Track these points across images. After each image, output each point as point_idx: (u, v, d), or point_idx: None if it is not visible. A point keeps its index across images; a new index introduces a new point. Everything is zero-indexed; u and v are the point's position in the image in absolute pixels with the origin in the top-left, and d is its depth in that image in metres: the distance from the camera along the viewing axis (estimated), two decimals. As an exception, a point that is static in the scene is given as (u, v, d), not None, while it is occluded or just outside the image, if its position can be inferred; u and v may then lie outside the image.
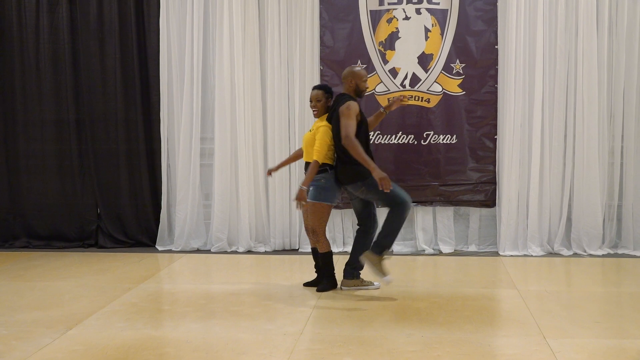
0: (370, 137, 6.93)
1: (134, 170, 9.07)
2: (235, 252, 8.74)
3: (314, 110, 6.63)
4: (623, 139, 8.44)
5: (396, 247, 8.65)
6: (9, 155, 9.21)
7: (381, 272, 6.29)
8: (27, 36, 9.05)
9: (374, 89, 8.53)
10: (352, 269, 6.70)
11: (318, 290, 6.66)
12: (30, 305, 6.27)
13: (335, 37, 8.63)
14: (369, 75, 8.49)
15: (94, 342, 5.19)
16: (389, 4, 8.52)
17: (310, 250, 7.18)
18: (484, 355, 4.86)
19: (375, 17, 8.56)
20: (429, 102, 8.54)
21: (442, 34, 8.50)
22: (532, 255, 8.35)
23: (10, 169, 9.23)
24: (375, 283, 6.71)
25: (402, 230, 8.59)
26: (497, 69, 8.49)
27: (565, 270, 7.81)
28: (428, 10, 8.47)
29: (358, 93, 6.51)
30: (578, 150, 8.37)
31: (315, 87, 6.74)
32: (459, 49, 8.51)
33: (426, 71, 8.52)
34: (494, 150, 8.55)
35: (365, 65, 8.52)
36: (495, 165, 8.57)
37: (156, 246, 8.98)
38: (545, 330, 5.37)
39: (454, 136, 8.56)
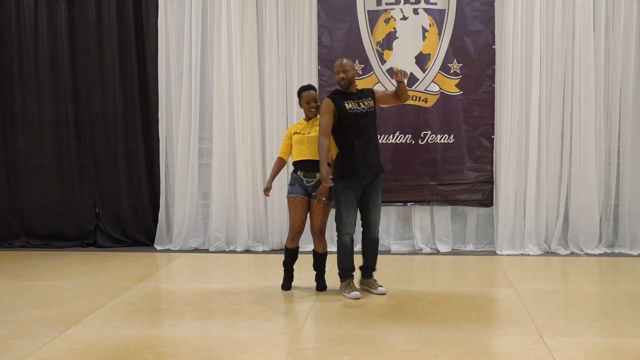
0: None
1: (132, 169, 9.09)
2: (234, 252, 8.76)
3: (313, 110, 6.61)
4: (620, 139, 8.46)
5: (394, 246, 8.68)
6: (7, 155, 9.22)
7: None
8: (25, 36, 9.06)
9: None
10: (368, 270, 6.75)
11: (321, 290, 6.71)
12: (30, 305, 6.29)
13: (333, 37, 8.65)
14: (366, 76, 8.56)
15: (93, 341, 5.21)
16: (386, 4, 8.54)
17: (306, 249, 7.17)
18: (482, 354, 4.89)
19: (373, 17, 8.58)
20: (426, 102, 8.56)
21: (439, 34, 8.52)
22: (529, 255, 8.37)
23: (9, 169, 9.24)
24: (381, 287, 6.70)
25: (399, 230, 8.70)
26: (494, 69, 8.51)
27: (563, 269, 7.83)
28: (425, 10, 8.49)
29: (339, 85, 6.48)
30: (575, 149, 8.40)
31: (307, 88, 6.69)
32: (456, 49, 8.53)
33: (424, 71, 8.54)
34: (491, 149, 8.58)
35: (363, 65, 8.56)
36: (492, 165, 8.59)
37: (155, 245, 9.00)
38: (543, 329, 5.40)
39: (452, 136, 8.58)
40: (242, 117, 8.70)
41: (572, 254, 8.40)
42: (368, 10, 8.57)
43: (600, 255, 8.34)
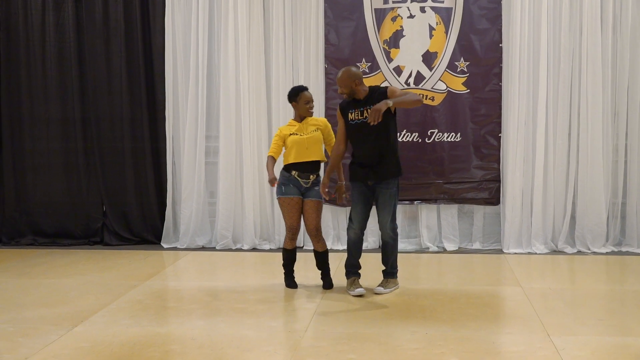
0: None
1: (139, 168, 9.10)
2: (240, 250, 8.77)
3: (311, 111, 6.68)
4: (627, 137, 8.45)
5: (401, 244, 8.62)
6: (15, 154, 9.25)
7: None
8: (33, 35, 9.08)
9: (379, 85, 8.52)
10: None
11: (328, 287, 6.72)
12: (37, 303, 6.30)
13: (340, 35, 8.64)
14: (373, 74, 8.57)
15: (99, 339, 5.22)
16: (393, 2, 8.53)
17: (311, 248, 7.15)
18: (488, 352, 4.88)
19: (380, 15, 8.57)
20: (433, 100, 8.55)
21: (446, 32, 8.51)
22: (536, 253, 8.36)
23: (16, 168, 9.27)
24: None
25: (406, 228, 8.70)
26: (501, 67, 8.50)
27: (569, 267, 7.81)
28: (432, 8, 8.48)
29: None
30: (582, 148, 8.38)
31: (304, 88, 6.70)
32: (463, 47, 8.52)
33: (430, 69, 8.53)
34: (498, 148, 8.56)
35: (370, 64, 8.57)
36: (499, 163, 8.58)
37: (161, 244, 9.01)
38: (549, 327, 5.38)
39: (458, 134, 8.57)
40: (248, 116, 8.71)
41: (579, 252, 8.39)
42: (375, 9, 8.57)
43: (607, 253, 8.32)
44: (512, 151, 8.43)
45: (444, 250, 8.61)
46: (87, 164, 9.21)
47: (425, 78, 8.54)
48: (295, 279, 6.84)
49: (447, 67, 8.53)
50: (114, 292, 6.61)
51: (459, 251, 8.59)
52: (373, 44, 8.60)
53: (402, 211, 8.78)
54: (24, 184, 9.27)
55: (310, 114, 6.66)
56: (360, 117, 6.34)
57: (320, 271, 6.80)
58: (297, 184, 6.53)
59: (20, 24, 9.09)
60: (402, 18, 8.53)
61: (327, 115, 8.58)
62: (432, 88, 8.54)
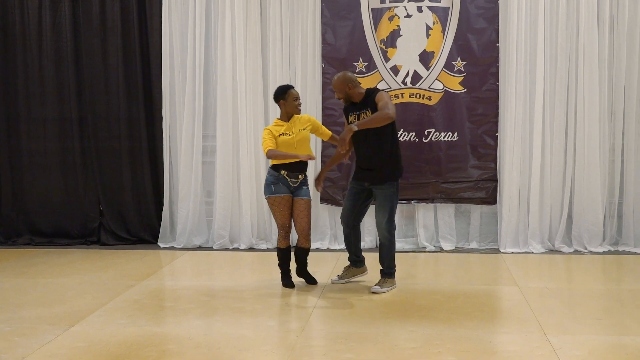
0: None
1: (136, 167, 9.10)
2: (237, 249, 8.76)
3: (300, 108, 6.70)
4: (624, 136, 8.45)
5: (397, 244, 8.59)
6: (11, 153, 9.24)
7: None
8: (29, 34, 9.07)
9: (376, 87, 8.53)
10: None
11: (313, 283, 6.86)
12: (34, 302, 6.30)
13: (337, 34, 8.64)
14: (369, 73, 8.58)
15: (96, 339, 5.21)
16: (390, 1, 8.53)
17: (312, 247, 7.16)
18: (485, 351, 4.89)
19: (377, 14, 8.57)
20: (430, 99, 8.55)
21: (443, 32, 8.51)
22: (532, 252, 8.36)
23: (13, 167, 9.26)
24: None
25: (403, 227, 8.73)
26: (498, 67, 8.51)
27: (566, 267, 7.82)
28: (429, 8, 8.48)
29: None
30: (579, 147, 8.39)
31: (291, 87, 6.73)
32: (460, 47, 8.52)
33: (427, 69, 8.53)
34: (495, 147, 8.57)
35: (367, 63, 8.57)
36: (496, 163, 8.59)
37: (158, 243, 9.00)
38: (546, 327, 5.39)
39: (455, 134, 8.57)
40: (245, 115, 8.71)
41: (576, 252, 8.40)
42: (372, 8, 8.57)
43: (604, 253, 8.33)
44: (509, 151, 8.44)
45: (441, 250, 8.62)
46: (84, 164, 9.20)
47: (422, 77, 8.54)
48: (292, 279, 6.86)
49: (444, 67, 8.53)
50: (111, 292, 6.61)
51: (456, 251, 8.60)
52: (370, 43, 8.60)
53: (399, 211, 8.73)
54: (21, 184, 9.26)
55: (299, 112, 6.70)
56: (356, 120, 6.46)
57: (297, 268, 6.89)
58: (286, 183, 6.57)
59: (17, 23, 9.07)
60: (399, 17, 8.53)
61: (325, 115, 8.61)
62: (429, 87, 8.54)
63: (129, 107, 9.02)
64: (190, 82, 8.79)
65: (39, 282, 7.14)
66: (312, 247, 8.32)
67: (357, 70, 8.53)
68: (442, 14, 8.49)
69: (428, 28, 8.51)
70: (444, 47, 8.52)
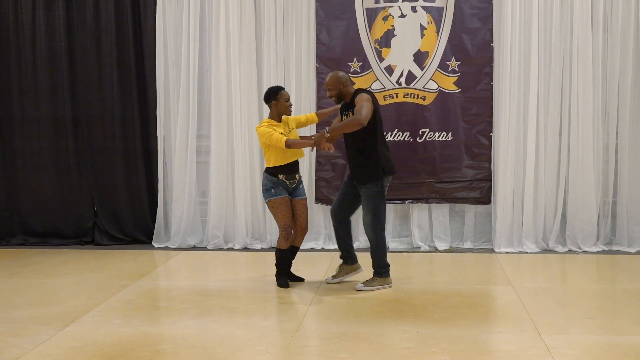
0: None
1: (130, 167, 9.08)
2: (232, 249, 8.75)
3: (291, 109, 6.78)
4: (617, 136, 8.47)
5: (392, 244, 8.68)
6: (5, 153, 9.21)
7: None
8: (23, 34, 9.04)
9: (370, 87, 8.54)
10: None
11: (301, 280, 6.97)
12: (27, 303, 6.29)
13: (331, 34, 8.64)
14: (364, 73, 8.58)
15: (90, 339, 5.21)
16: (384, 1, 8.53)
17: (305, 248, 7.21)
18: (479, 351, 4.89)
19: (371, 14, 8.57)
20: (424, 99, 8.56)
21: (437, 32, 8.51)
22: (527, 252, 8.37)
23: (6, 167, 9.23)
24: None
25: (397, 227, 8.73)
26: (492, 67, 8.51)
27: (560, 267, 7.84)
28: (424, 8, 8.49)
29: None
30: (573, 147, 8.40)
31: (282, 87, 6.78)
32: (454, 47, 8.52)
33: (422, 69, 8.54)
34: (489, 147, 8.57)
35: (361, 63, 8.57)
36: (490, 163, 8.59)
37: (152, 243, 8.99)
38: (540, 326, 5.40)
39: (450, 133, 8.58)
40: (240, 115, 8.70)
41: (570, 251, 8.41)
42: (366, 8, 8.57)
43: (598, 252, 8.34)
44: (503, 150, 8.45)
45: (436, 250, 8.62)
46: (78, 164, 9.17)
47: (416, 77, 8.54)
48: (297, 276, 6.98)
49: (438, 67, 8.53)
50: (105, 292, 6.60)
51: (450, 250, 8.60)
52: (364, 43, 8.60)
53: (393, 210, 8.78)
54: (15, 184, 9.23)
55: (290, 112, 6.79)
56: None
57: (285, 267, 6.93)
58: (285, 186, 6.64)
59: (11, 23, 9.04)
60: (393, 17, 8.53)
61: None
62: (423, 87, 8.55)
63: (123, 107, 9.00)
64: (185, 82, 8.78)
65: (32, 282, 7.13)
66: (306, 247, 8.42)
67: (351, 70, 8.53)
68: (436, 14, 8.50)
69: (422, 28, 8.52)
70: (438, 47, 8.52)
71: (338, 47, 8.64)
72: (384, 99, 8.55)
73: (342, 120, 6.69)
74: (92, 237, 9.19)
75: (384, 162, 6.53)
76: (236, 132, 8.69)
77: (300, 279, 6.97)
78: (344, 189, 6.84)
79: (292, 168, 6.66)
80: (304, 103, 8.57)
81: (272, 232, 8.76)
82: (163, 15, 8.79)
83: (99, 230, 9.17)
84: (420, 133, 8.58)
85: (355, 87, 8.21)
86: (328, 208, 8.57)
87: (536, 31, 8.33)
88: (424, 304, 6.13)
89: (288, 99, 6.70)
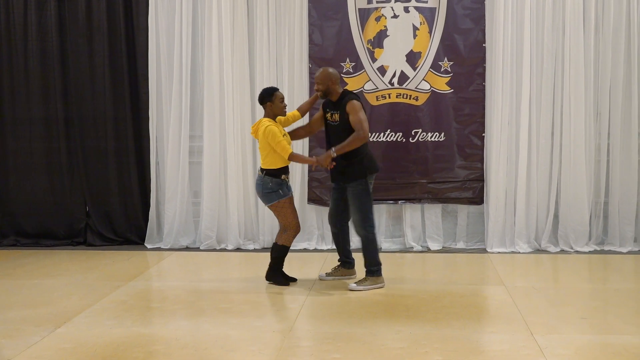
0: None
1: (122, 168, 9.05)
2: (224, 250, 8.74)
3: (285, 109, 6.82)
4: (609, 137, 8.49)
5: (384, 244, 8.68)
6: (-4, 154, 9.19)
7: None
8: (15, 34, 9.00)
9: (363, 87, 8.55)
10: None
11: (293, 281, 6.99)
12: (19, 304, 6.27)
13: (324, 35, 8.64)
14: (356, 74, 8.59)
15: (83, 340, 5.20)
16: (377, 2, 8.54)
17: (298, 248, 7.20)
18: (472, 351, 4.90)
19: (364, 15, 8.58)
20: (417, 100, 8.56)
21: (430, 32, 8.52)
22: (519, 252, 8.39)
23: (-2, 167, 9.21)
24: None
25: (390, 228, 8.75)
26: (484, 67, 8.52)
27: (553, 266, 7.85)
28: (416, 8, 8.49)
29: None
30: (565, 147, 8.42)
31: (276, 88, 6.84)
32: (447, 47, 8.53)
33: (414, 69, 8.54)
34: (481, 147, 8.58)
35: (354, 63, 8.57)
36: (483, 163, 8.60)
37: (145, 244, 8.96)
38: (533, 326, 5.41)
39: (442, 134, 8.59)
40: (232, 116, 8.69)
41: (562, 251, 8.43)
42: (359, 9, 8.57)
43: (590, 252, 8.36)
44: (495, 151, 8.46)
45: (428, 250, 8.63)
46: (70, 164, 9.15)
47: (409, 78, 8.55)
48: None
49: (430, 67, 8.54)
50: (97, 293, 6.59)
51: (443, 250, 8.61)
52: (357, 43, 8.60)
53: (386, 211, 8.79)
54: (6, 184, 9.20)
55: (285, 113, 6.82)
56: (330, 119, 6.70)
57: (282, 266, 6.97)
58: (287, 185, 6.72)
59: (2, 23, 9.00)
60: (386, 18, 8.53)
61: (311, 115, 8.54)
62: (415, 88, 8.55)
63: (116, 107, 8.97)
64: (177, 82, 8.77)
65: (24, 283, 7.10)
66: (299, 248, 8.42)
67: (344, 70, 8.53)
68: (428, 15, 8.51)
69: (415, 28, 8.52)
70: (430, 48, 8.53)
71: (331, 48, 8.64)
72: (377, 100, 8.56)
73: (325, 116, 6.73)
74: (84, 238, 9.16)
75: (367, 161, 6.60)
76: (229, 133, 8.68)
77: (293, 279, 6.97)
78: (334, 194, 6.90)
79: (288, 168, 6.75)
80: (296, 103, 8.53)
81: (264, 233, 8.76)
82: (155, 15, 8.77)
83: (91, 231, 9.14)
84: (412, 133, 8.59)
85: (348, 87, 8.28)
86: (321, 208, 8.62)
87: (528, 32, 8.35)
88: (416, 304, 6.14)
89: (283, 100, 6.73)
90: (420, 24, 8.51)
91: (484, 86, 8.53)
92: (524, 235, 8.49)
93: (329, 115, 6.69)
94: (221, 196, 8.80)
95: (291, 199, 6.72)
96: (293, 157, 6.58)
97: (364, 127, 6.40)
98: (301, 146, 8.46)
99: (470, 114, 8.56)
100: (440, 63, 8.53)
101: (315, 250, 8.61)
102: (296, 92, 8.62)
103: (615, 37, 8.35)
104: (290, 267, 6.99)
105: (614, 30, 8.34)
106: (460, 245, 8.71)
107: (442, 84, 8.55)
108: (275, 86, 7.15)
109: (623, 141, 8.42)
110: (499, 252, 8.40)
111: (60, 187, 9.16)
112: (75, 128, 9.03)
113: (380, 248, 8.66)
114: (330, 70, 6.70)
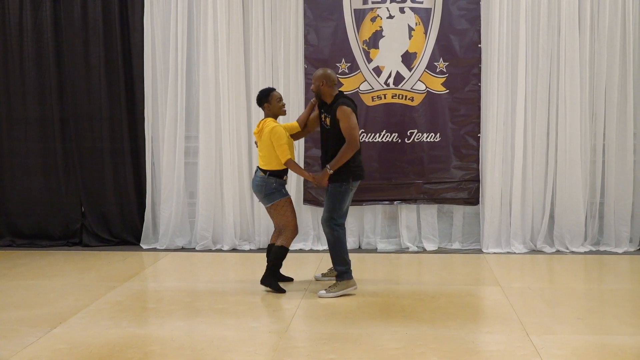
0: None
1: (118, 168, 9.05)
2: (220, 250, 8.74)
3: (284, 109, 6.79)
4: (605, 137, 8.51)
5: (380, 244, 8.69)
6: (-8, 154, 9.17)
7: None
8: (10, 34, 8.99)
9: (358, 88, 8.56)
10: None
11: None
12: (15, 304, 6.26)
13: (320, 35, 8.64)
14: (352, 74, 8.59)
15: (78, 341, 5.19)
16: (372, 2, 8.54)
17: (294, 248, 7.19)
18: (468, 351, 4.91)
19: (359, 15, 8.58)
20: (412, 100, 8.57)
21: (425, 33, 8.53)
22: (515, 253, 8.40)
23: (-6, 168, 9.19)
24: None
25: (386, 228, 8.75)
26: (480, 68, 8.54)
27: (548, 267, 7.86)
28: (412, 9, 8.50)
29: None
30: (560, 148, 8.44)
31: (272, 89, 6.79)
32: (442, 48, 8.54)
33: (410, 70, 8.55)
34: (477, 148, 8.60)
35: (349, 64, 8.58)
36: (478, 163, 8.61)
37: (141, 244, 8.96)
38: (528, 326, 5.42)
39: (438, 134, 8.59)
40: (228, 116, 8.68)
41: (558, 252, 8.44)
42: (354, 9, 8.57)
43: (585, 253, 8.38)
44: (491, 151, 8.47)
45: (424, 250, 8.63)
46: (65, 165, 9.14)
47: (404, 78, 8.55)
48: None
49: (426, 68, 8.55)
50: (93, 294, 6.58)
51: (439, 251, 8.61)
52: (352, 44, 8.61)
53: (381, 211, 8.79)
54: (2, 185, 9.18)
55: (284, 112, 6.79)
56: (324, 122, 6.63)
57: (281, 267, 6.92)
58: (285, 186, 6.71)
59: (-2, 23, 9.02)
60: (381, 18, 8.54)
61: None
62: (411, 88, 8.56)
63: (111, 107, 8.97)
64: (173, 82, 8.76)
65: (20, 284, 7.09)
66: (295, 248, 8.41)
67: (339, 71, 8.53)
68: (424, 15, 8.52)
69: (410, 29, 8.53)
70: (426, 48, 8.54)
71: (326, 48, 8.64)
72: (372, 100, 8.56)
73: (320, 117, 6.66)
74: (80, 239, 9.15)
75: (354, 167, 6.49)
76: (224, 133, 8.68)
77: (290, 279, 6.97)
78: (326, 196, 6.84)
79: (287, 170, 6.73)
80: (292, 104, 8.56)
81: (260, 234, 8.76)
82: (151, 16, 8.77)
83: (86, 231, 9.13)
84: (408, 134, 8.59)
85: (344, 88, 8.29)
86: (316, 209, 8.62)
87: (524, 32, 8.37)
88: (412, 304, 6.14)
89: (280, 99, 6.70)
90: (416, 24, 8.52)
91: (480, 87, 8.54)
92: (519, 235, 8.50)
93: (322, 117, 6.64)
94: (217, 197, 8.80)
95: (290, 199, 6.71)
96: (289, 163, 6.53)
97: (354, 136, 6.31)
98: (297, 146, 8.43)
99: (465, 115, 8.57)
100: (435, 64, 8.54)
101: (311, 250, 8.61)
102: (292, 93, 8.62)
103: (610, 38, 8.36)
104: (286, 267, 6.97)
105: (609, 30, 8.35)
106: (456, 245, 8.72)
107: (437, 85, 8.56)
108: (271, 86, 7.12)
109: (618, 142, 8.43)
110: (494, 253, 8.41)
111: (56, 187, 9.15)
112: (71, 128, 9.01)
113: (376, 248, 8.67)
114: (328, 71, 6.60)
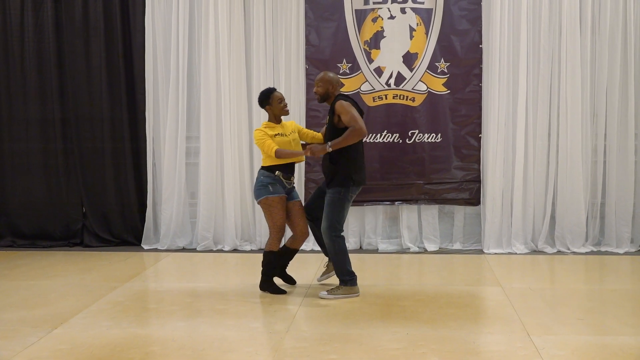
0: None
1: (119, 169, 9.05)
2: (221, 251, 8.74)
3: (287, 109, 6.66)
4: (606, 137, 8.51)
5: (381, 245, 8.69)
6: (-7, 155, 9.18)
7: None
8: (11, 35, 9.00)
9: (359, 88, 8.56)
10: None
11: (293, 283, 6.92)
12: (16, 305, 6.26)
13: (321, 36, 8.64)
14: (353, 75, 8.59)
15: (79, 341, 5.19)
16: (374, 3, 8.54)
17: (304, 249, 7.14)
18: (469, 352, 4.90)
19: (361, 16, 8.58)
20: (413, 100, 8.57)
21: (426, 33, 8.53)
22: (516, 253, 8.39)
23: (-6, 168, 9.20)
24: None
25: (387, 229, 8.75)
26: (481, 68, 8.54)
27: (549, 267, 7.86)
28: (413, 9, 8.50)
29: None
30: (562, 148, 8.43)
31: (274, 89, 6.69)
32: (443, 48, 8.54)
33: (411, 70, 8.55)
34: (478, 148, 8.59)
35: (350, 64, 8.57)
36: (479, 164, 8.61)
37: (142, 245, 8.96)
38: (529, 327, 5.42)
39: (439, 135, 8.59)
40: (229, 116, 8.69)
41: (559, 252, 8.44)
42: (355, 9, 8.58)
43: (586, 253, 8.37)
44: (492, 152, 8.47)
45: (425, 251, 8.63)
46: (66, 165, 9.14)
47: (405, 79, 8.55)
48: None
49: (427, 68, 8.55)
50: (94, 294, 6.58)
51: (440, 251, 8.61)
52: (354, 44, 8.61)
53: (382, 212, 8.79)
54: (3, 185, 9.19)
55: (287, 112, 6.67)
56: (326, 121, 6.65)
57: (281, 269, 6.86)
58: (282, 184, 6.50)
59: (-1, 24, 9.03)
60: (382, 19, 8.54)
61: (309, 116, 8.61)
62: (412, 89, 8.56)
63: (112, 108, 8.97)
64: (174, 83, 8.77)
65: (21, 284, 7.09)
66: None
67: (340, 71, 8.53)
68: (425, 16, 8.52)
69: (411, 29, 8.53)
70: (427, 49, 8.54)
71: (327, 49, 8.64)
72: (373, 100, 8.56)
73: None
74: (80, 239, 9.16)
75: (354, 171, 6.38)
76: (225, 134, 8.68)
77: (293, 281, 6.90)
78: (318, 189, 6.81)
79: (290, 168, 6.56)
80: (293, 104, 8.55)
81: (261, 234, 8.76)
82: (152, 16, 8.77)
83: (87, 231, 9.13)
84: (409, 134, 8.59)
85: (345, 88, 8.31)
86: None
87: (525, 33, 8.37)
88: (413, 305, 6.14)
89: (281, 100, 6.60)
90: (417, 25, 8.52)
91: (481, 87, 8.54)
92: (520, 236, 8.49)
93: (327, 119, 6.60)
94: (218, 197, 8.80)
95: (282, 199, 6.46)
96: (279, 153, 6.35)
97: (359, 122, 6.16)
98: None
99: (466, 115, 8.56)
100: (436, 64, 8.54)
101: (312, 251, 8.60)
102: (293, 93, 8.62)
103: (611, 38, 8.36)
104: (288, 268, 6.97)
105: (610, 31, 8.35)
106: (457, 246, 8.72)
107: (438, 85, 8.55)
108: (272, 87, 7.08)
109: (620, 142, 8.43)
110: (495, 253, 8.41)
111: (57, 188, 9.16)
112: (72, 129, 9.02)
113: (377, 249, 8.67)
114: (332, 74, 6.53)
